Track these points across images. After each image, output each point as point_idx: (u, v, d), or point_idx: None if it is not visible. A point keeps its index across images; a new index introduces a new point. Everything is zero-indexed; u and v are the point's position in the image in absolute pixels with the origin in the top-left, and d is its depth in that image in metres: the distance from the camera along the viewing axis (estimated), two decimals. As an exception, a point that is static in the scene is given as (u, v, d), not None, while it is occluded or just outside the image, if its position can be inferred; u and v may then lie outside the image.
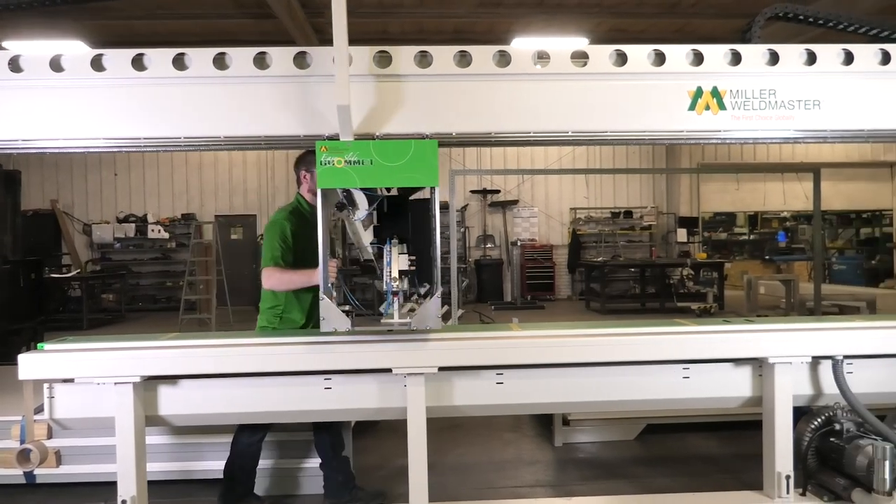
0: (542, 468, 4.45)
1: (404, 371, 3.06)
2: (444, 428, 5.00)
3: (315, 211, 3.25)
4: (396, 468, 4.35)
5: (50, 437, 3.66)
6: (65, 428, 3.28)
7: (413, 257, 2.95)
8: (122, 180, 15.21)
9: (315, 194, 3.37)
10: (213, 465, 3.88)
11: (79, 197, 15.10)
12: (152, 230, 14.92)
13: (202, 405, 3.18)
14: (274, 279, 3.42)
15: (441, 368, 3.10)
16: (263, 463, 3.81)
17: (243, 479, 3.60)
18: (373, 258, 3.05)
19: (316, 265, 3.01)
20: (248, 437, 3.54)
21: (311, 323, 3.60)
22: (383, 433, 5.04)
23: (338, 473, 3.66)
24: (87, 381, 3.06)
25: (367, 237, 3.06)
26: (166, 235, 14.94)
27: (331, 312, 2.89)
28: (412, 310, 2.92)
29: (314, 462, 3.87)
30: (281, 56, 3.02)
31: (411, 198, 3.10)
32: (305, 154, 3.56)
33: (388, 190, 2.96)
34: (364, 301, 3.00)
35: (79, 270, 13.62)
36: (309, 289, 3.48)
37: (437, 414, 3.22)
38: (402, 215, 3.06)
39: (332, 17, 2.79)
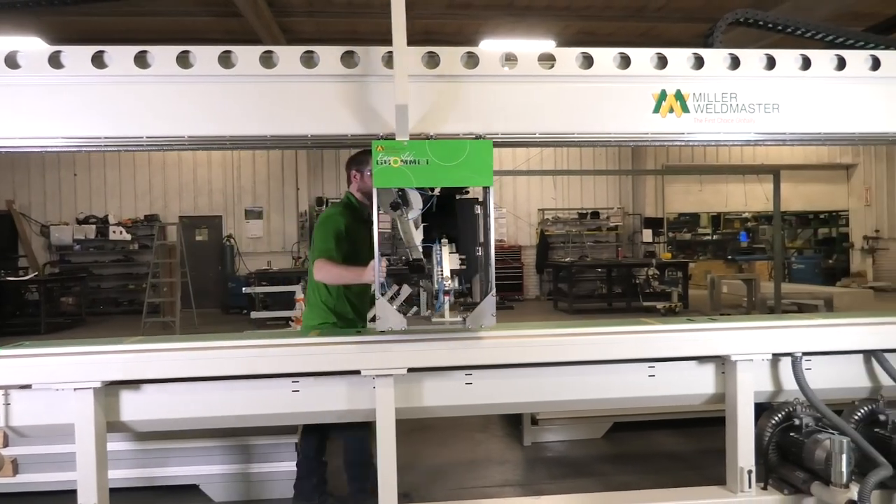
0: (511, 468, 4.47)
1: (373, 373, 3.05)
2: (414, 429, 4.98)
3: (364, 208, 3.41)
4: (365, 470, 4.33)
5: (6, 445, 3.54)
6: (22, 436, 3.18)
7: (463, 256, 2.97)
8: (81, 180, 14.82)
9: (365, 193, 3.41)
10: (178, 471, 3.81)
11: (36, 197, 14.65)
12: (114, 231, 14.53)
13: (166, 410, 3.11)
14: (324, 272, 3.43)
15: (410, 369, 3.09)
16: (229, 468, 3.75)
17: (312, 482, 3.62)
18: (422, 257, 3.03)
19: (364, 262, 3.07)
20: (308, 442, 3.59)
21: (362, 321, 3.64)
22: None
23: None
24: (44, 388, 2.97)
25: (418, 236, 3.05)
26: (128, 237, 14.58)
27: (386, 311, 2.90)
28: (465, 309, 2.97)
29: (280, 466, 3.83)
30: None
31: (457, 197, 3.10)
32: (357, 154, 3.59)
33: (432, 189, 2.97)
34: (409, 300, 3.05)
35: (36, 273, 13.22)
36: (361, 286, 3.50)
37: (406, 415, 3.21)
38: (447, 214, 3.05)
39: (392, 17, 2.83)
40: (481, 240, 2.98)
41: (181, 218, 14.39)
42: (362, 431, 3.53)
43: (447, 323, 2.87)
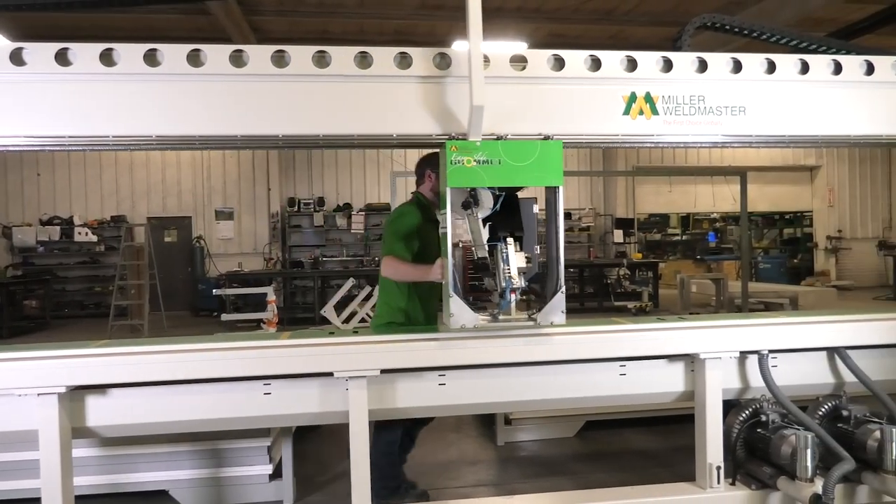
0: (485, 468, 4.48)
1: (346, 374, 3.03)
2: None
3: (434, 208, 3.53)
4: (338, 473, 4.30)
5: (-34, 453, 3.45)
6: (-17, 443, 3.09)
7: (528, 255, 3.03)
8: (45, 180, 14.45)
9: (437, 193, 3.44)
10: (147, 476, 3.74)
11: (-3, 198, 14.28)
12: (79, 233, 14.19)
13: (134, 415, 3.05)
14: (391, 268, 3.48)
15: (383, 371, 3.08)
16: (199, 473, 3.69)
17: (392, 474, 3.62)
18: (487, 256, 3.05)
19: (432, 261, 3.18)
20: (388, 436, 3.57)
21: (430, 321, 3.66)
22: (324, 437, 4.98)
23: (397, 467, 3.70)
24: (6, 393, 2.89)
25: (485, 235, 3.07)
26: (94, 238, 14.25)
27: (459, 309, 2.95)
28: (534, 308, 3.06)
29: (252, 469, 3.79)
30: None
31: (520, 196, 3.17)
32: (430, 155, 3.63)
33: (500, 189, 3.04)
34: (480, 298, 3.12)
35: (-2, 276, 12.87)
36: (428, 285, 3.52)
37: (379, 417, 3.20)
38: (508, 214, 3.10)
39: (468, 19, 2.88)
40: (552, 237, 3.10)
41: (149, 219, 14.14)
42: (393, 429, 3.59)
43: (515, 320, 2.99)
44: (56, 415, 2.87)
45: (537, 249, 3.11)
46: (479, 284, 3.08)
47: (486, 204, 3.01)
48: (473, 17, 2.87)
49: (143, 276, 11.27)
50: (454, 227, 3.01)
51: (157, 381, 2.99)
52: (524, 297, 3.09)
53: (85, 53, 2.87)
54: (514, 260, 2.95)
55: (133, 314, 11.36)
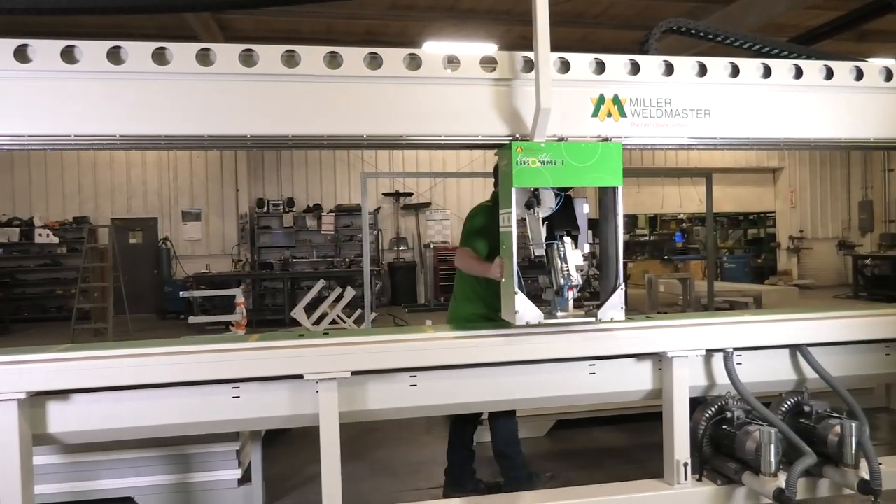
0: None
1: (316, 376, 3.00)
2: (360, 432, 4.94)
3: None
4: (309, 476, 4.27)
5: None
6: (-62, 452, 2.98)
7: (584, 252, 3.14)
8: (3, 180, 14.02)
9: None
10: (111, 483, 3.65)
11: (-47, 198, 13.82)
12: (40, 234, 13.78)
13: (98, 421, 2.98)
14: (461, 260, 3.70)
15: (354, 372, 3.06)
16: (166, 479, 3.62)
17: (462, 467, 3.84)
18: (543, 254, 3.12)
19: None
20: (461, 432, 3.80)
21: (490, 313, 3.67)
22: (295, 440, 4.93)
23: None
24: (-37, 400, 2.80)
25: (543, 234, 3.12)
26: (56, 240, 13.86)
27: (524, 306, 3.00)
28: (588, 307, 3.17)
29: (221, 474, 3.73)
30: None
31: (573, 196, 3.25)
32: None
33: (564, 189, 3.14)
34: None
35: (-46, 279, 12.46)
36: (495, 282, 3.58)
37: (350, 419, 3.18)
38: (566, 213, 3.18)
39: (536, 25, 2.97)
40: (610, 235, 3.24)
41: (114, 220, 13.81)
42: (512, 418, 3.75)
43: (573, 317, 3.09)
44: (16, 422, 2.79)
45: (587, 248, 3.20)
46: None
47: (548, 203, 3.11)
48: (542, 23, 2.97)
49: (107, 279, 11.01)
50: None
51: (121, 385, 2.93)
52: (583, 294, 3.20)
53: (46, 50, 2.80)
54: (572, 258, 3.05)
55: (97, 317, 11.09)
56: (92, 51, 2.83)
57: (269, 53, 2.95)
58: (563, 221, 3.14)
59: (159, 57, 2.88)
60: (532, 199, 3.06)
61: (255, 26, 11.04)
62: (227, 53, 2.92)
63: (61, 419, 2.95)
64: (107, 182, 14.48)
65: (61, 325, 11.75)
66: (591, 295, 3.37)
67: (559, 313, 3.08)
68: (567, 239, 3.11)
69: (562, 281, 3.03)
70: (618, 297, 3.15)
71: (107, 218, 13.97)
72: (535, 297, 3.13)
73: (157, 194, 14.68)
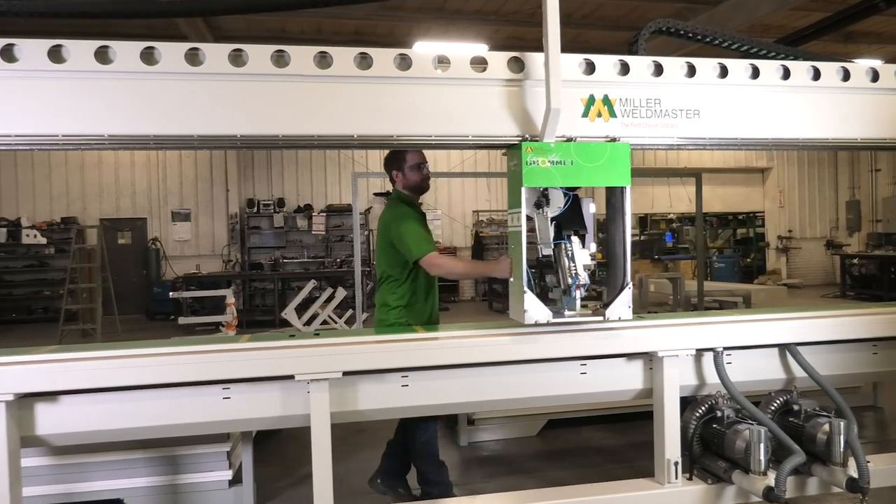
0: (448, 468, 4.47)
1: (307, 377, 2.99)
2: (350, 432, 4.94)
3: (415, 202, 3.68)
4: (300, 477, 4.25)
5: None
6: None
7: (591, 252, 3.14)
8: (-10, 181, 13.93)
9: (409, 188, 3.64)
10: (100, 485, 3.63)
11: (-62, 199, 13.68)
12: (27, 235, 13.67)
13: (86, 422, 2.96)
14: (447, 266, 3.58)
15: (345, 373, 3.06)
16: (155, 480, 3.60)
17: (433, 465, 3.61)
18: (551, 254, 3.13)
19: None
20: (424, 432, 3.54)
21: (433, 315, 3.68)
22: (285, 441, 4.91)
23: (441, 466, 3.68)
24: (-50, 403, 2.77)
25: (551, 233, 3.13)
26: (43, 241, 13.75)
27: (533, 305, 3.03)
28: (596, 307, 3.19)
29: (211, 476, 3.71)
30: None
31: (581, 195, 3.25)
32: (391, 155, 3.67)
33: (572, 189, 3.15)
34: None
35: (-60, 280, 12.33)
36: (434, 282, 3.62)
37: (341, 420, 3.17)
38: (573, 212, 3.19)
39: (547, 25, 2.96)
40: (618, 235, 3.24)
41: (102, 220, 13.72)
42: (426, 429, 3.57)
43: (580, 316, 3.11)
44: (3, 424, 2.76)
45: (593, 247, 3.20)
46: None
47: (556, 203, 3.12)
48: (552, 24, 2.97)
49: (95, 280, 10.93)
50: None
51: (110, 387, 2.91)
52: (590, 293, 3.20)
53: (32, 50, 2.77)
54: (580, 257, 3.06)
55: (85, 318, 11.01)
56: (79, 50, 2.80)
57: (258, 53, 2.94)
58: (570, 221, 3.17)
59: (148, 57, 2.86)
60: (541, 199, 3.08)
61: (244, 25, 11.00)
62: (216, 53, 2.91)
63: (50, 421, 2.92)
64: (95, 182, 14.39)
65: (48, 326, 11.66)
66: (589, 295, 3.39)
67: (567, 312, 3.10)
68: (574, 238, 3.13)
69: (569, 280, 3.05)
70: (626, 296, 3.18)
71: (95, 218, 13.89)
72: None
73: (146, 194, 14.61)
